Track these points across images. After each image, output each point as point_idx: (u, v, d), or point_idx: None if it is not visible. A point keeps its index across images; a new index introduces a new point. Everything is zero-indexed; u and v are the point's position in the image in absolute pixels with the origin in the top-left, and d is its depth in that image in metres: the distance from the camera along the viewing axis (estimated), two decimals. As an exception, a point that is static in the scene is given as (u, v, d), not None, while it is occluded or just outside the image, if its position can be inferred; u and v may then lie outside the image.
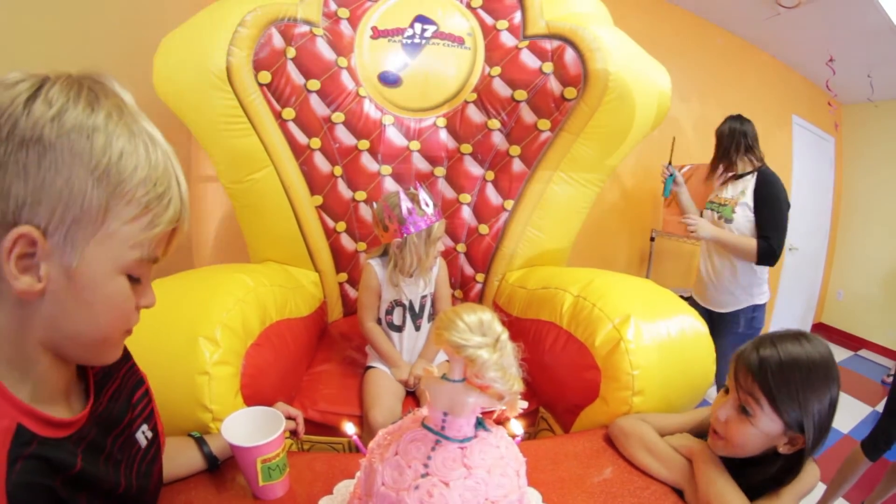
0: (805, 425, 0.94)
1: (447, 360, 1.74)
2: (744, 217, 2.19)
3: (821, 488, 2.20)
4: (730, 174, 2.32)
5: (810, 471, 1.02)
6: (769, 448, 1.00)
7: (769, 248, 2.10)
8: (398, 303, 1.73)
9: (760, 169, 2.21)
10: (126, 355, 0.82)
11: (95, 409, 0.69)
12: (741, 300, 2.26)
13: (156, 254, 0.63)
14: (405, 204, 1.58)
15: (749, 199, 2.17)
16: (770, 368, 0.96)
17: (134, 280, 0.63)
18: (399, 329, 1.76)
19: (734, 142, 2.26)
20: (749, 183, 2.21)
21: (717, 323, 2.30)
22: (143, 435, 0.80)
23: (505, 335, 0.68)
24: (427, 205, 1.61)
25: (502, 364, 0.66)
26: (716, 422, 1.05)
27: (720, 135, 2.32)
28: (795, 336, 1.01)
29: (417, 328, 1.77)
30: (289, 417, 1.19)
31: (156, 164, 0.59)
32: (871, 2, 3.14)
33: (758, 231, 2.15)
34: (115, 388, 0.76)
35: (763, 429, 0.97)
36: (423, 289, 1.75)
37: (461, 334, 0.65)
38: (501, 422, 0.83)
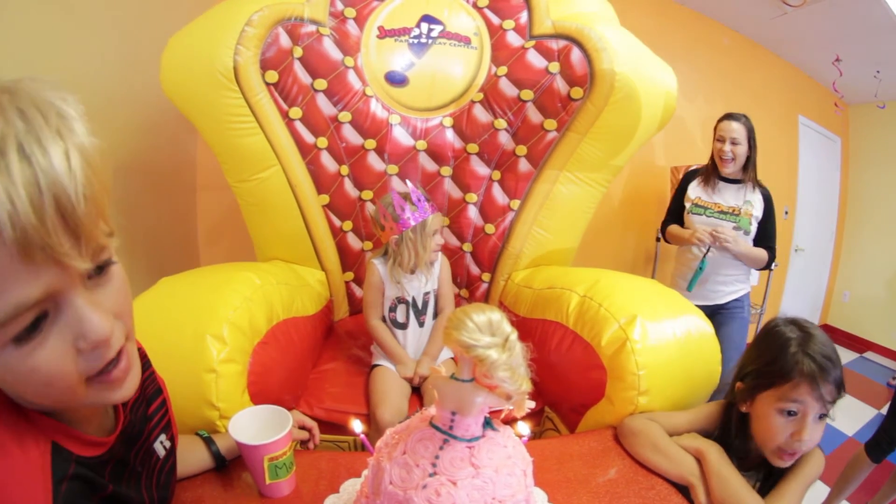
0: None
1: (451, 358, 1.76)
2: (754, 229, 2.27)
3: (824, 491, 2.19)
4: (722, 179, 2.33)
5: (817, 459, 1.05)
6: None
7: (774, 258, 2.30)
8: (401, 300, 1.75)
9: (763, 186, 2.30)
10: (145, 363, 0.80)
11: (124, 426, 0.67)
12: (745, 286, 2.37)
13: (5, 308, 0.42)
14: (397, 202, 1.63)
15: (759, 211, 2.26)
16: (837, 362, 1.00)
17: (28, 334, 0.45)
18: (403, 326, 1.78)
19: (755, 144, 2.27)
20: (753, 195, 2.26)
21: (717, 315, 2.33)
22: (161, 445, 0.78)
23: (514, 335, 0.68)
24: (419, 200, 1.65)
25: (511, 364, 0.66)
26: (802, 443, 0.99)
27: (750, 136, 2.25)
28: (804, 323, 1.07)
29: (421, 324, 1.79)
30: (303, 427, 1.19)
31: None
32: (877, 0, 3.13)
33: (763, 241, 2.28)
34: (136, 398, 0.75)
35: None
36: (425, 285, 1.77)
37: (471, 334, 0.65)
38: (508, 422, 0.83)
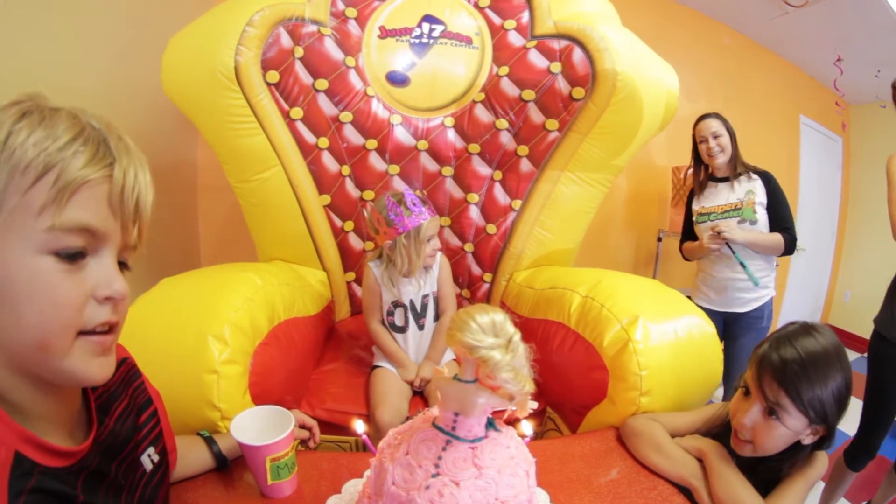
0: (829, 417, 0.97)
1: (454, 360, 1.75)
2: (763, 216, 2.22)
3: (819, 487, 2.19)
4: (711, 179, 2.34)
5: (819, 461, 1.04)
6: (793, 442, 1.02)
7: (793, 238, 2.20)
8: (398, 304, 1.74)
9: (761, 170, 2.27)
10: (135, 373, 0.80)
11: (100, 436, 0.67)
12: (765, 295, 2.30)
13: (81, 218, 0.53)
14: (391, 205, 1.61)
15: (763, 197, 2.22)
16: (794, 371, 0.96)
17: (68, 257, 0.54)
18: (402, 330, 1.77)
19: (734, 136, 2.29)
20: (752, 183, 2.24)
21: (736, 323, 2.30)
22: (148, 458, 0.77)
23: (517, 336, 0.68)
24: (414, 204, 1.62)
25: (514, 365, 0.66)
26: (741, 427, 1.04)
27: (728, 127, 2.27)
28: (807, 330, 1.02)
29: (421, 328, 1.78)
30: (303, 426, 1.19)
31: (53, 123, 0.53)
32: (878, 0, 3.12)
33: (777, 225, 2.21)
34: (123, 407, 0.74)
35: (791, 428, 0.98)
36: (423, 288, 1.75)
37: (474, 335, 0.65)
38: (512, 422, 0.83)
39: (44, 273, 0.52)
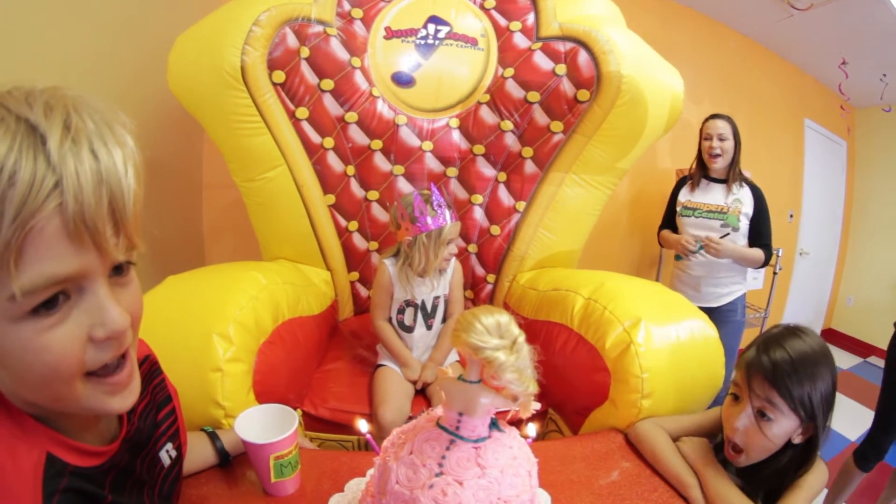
0: (817, 415, 0.98)
1: (457, 361, 1.75)
2: (745, 226, 2.30)
3: (822, 495, 2.19)
4: (706, 177, 2.41)
5: (820, 471, 1.04)
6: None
7: (771, 255, 2.30)
8: (409, 303, 1.74)
9: (752, 182, 2.35)
10: (157, 370, 0.81)
11: (127, 434, 0.67)
12: (737, 290, 2.40)
13: (43, 273, 0.45)
14: (417, 203, 1.60)
15: (749, 208, 2.30)
16: (785, 371, 0.98)
17: (49, 308, 0.47)
18: (410, 329, 1.77)
19: (740, 142, 2.35)
20: (742, 193, 2.31)
21: (711, 317, 2.33)
22: (166, 454, 0.78)
23: (522, 338, 0.69)
24: (440, 206, 1.63)
25: (519, 366, 0.67)
26: (734, 432, 1.04)
27: (735, 133, 2.33)
28: (792, 332, 1.04)
29: (429, 328, 1.78)
30: None
31: None
32: (884, 4, 3.12)
33: (758, 240, 2.30)
34: (145, 405, 0.75)
35: (784, 429, 1.00)
36: (435, 289, 1.76)
37: (479, 336, 0.65)
38: (516, 423, 0.83)
39: (27, 339, 0.46)
